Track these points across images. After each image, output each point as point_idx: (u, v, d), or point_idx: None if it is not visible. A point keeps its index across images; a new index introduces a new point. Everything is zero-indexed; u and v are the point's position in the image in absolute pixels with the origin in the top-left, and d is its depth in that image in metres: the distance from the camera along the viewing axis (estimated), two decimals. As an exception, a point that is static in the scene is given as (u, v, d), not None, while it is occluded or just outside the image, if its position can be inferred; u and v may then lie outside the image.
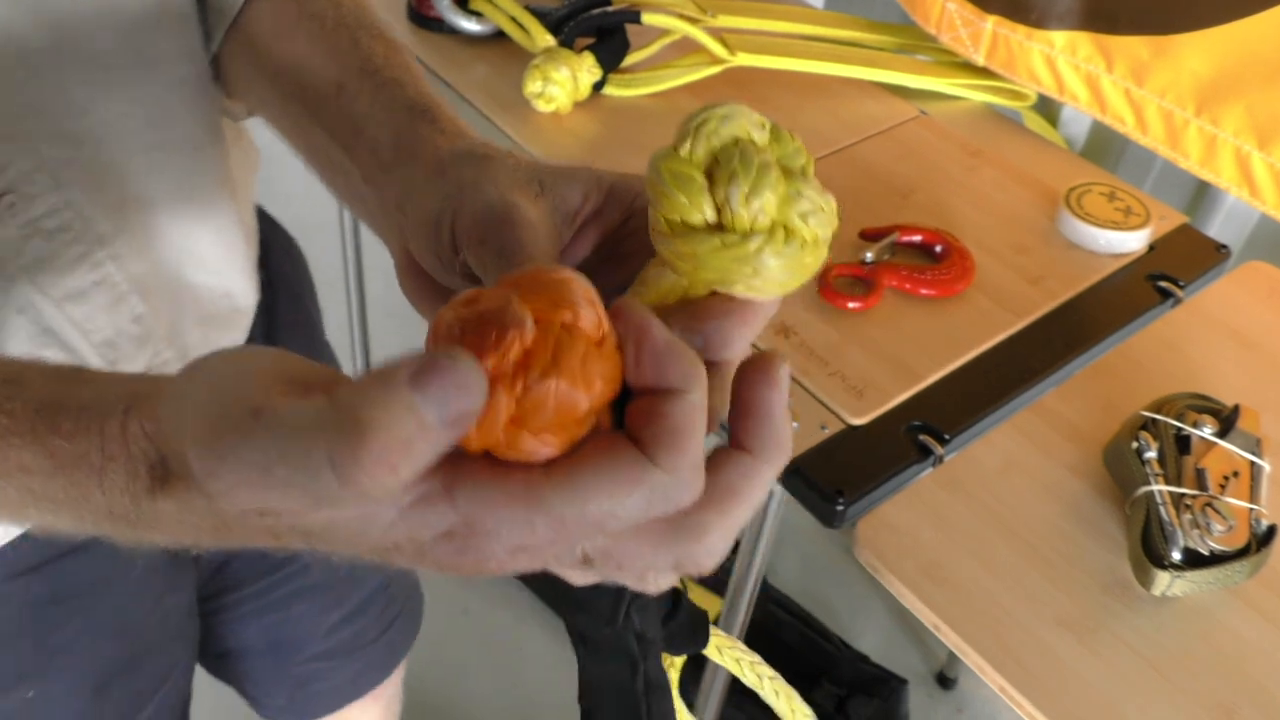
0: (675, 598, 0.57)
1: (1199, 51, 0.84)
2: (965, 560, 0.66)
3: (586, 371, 0.25)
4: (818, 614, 1.48)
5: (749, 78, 1.02)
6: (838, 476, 0.70)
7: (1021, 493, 0.69)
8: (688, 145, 0.30)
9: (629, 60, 1.01)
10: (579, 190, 0.35)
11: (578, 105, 0.98)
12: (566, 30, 0.99)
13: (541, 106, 0.97)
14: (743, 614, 0.90)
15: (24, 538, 0.54)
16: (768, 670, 0.67)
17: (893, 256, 0.84)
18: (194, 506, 0.27)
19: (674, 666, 0.69)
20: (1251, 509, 0.62)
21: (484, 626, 1.49)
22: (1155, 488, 0.63)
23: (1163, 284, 0.84)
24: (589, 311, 0.26)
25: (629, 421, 0.26)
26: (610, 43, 0.99)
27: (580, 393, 0.25)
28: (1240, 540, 0.61)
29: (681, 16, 1.00)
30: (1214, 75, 0.84)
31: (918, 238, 0.85)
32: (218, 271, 0.57)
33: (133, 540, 0.30)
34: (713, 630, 0.62)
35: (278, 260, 0.71)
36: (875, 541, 0.67)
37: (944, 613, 0.64)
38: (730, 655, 0.66)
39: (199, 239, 0.55)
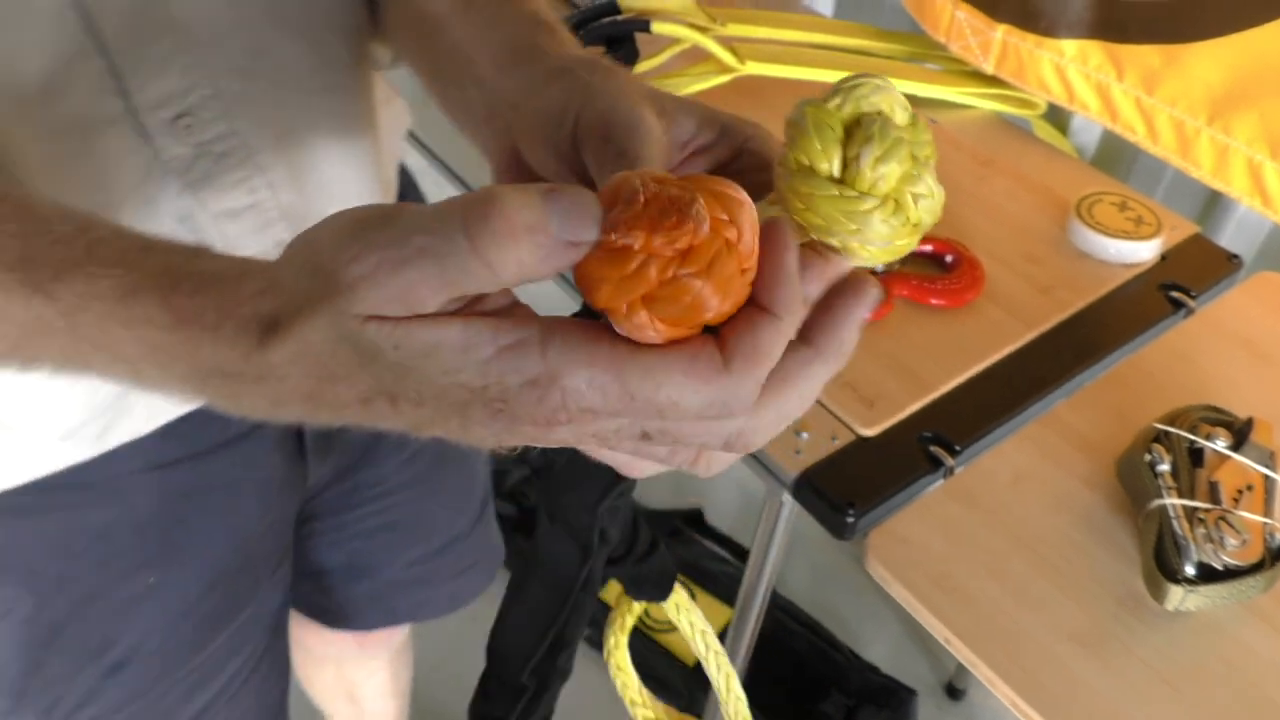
0: (653, 544, 0.59)
1: (1210, 61, 0.83)
2: (976, 572, 0.66)
3: (728, 288, 0.28)
4: (827, 623, 1.48)
5: (759, 86, 1.02)
6: (848, 488, 0.70)
7: (1033, 504, 0.69)
8: (837, 100, 0.32)
9: (638, 69, 1.01)
10: (694, 121, 0.37)
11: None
12: (576, 38, 0.99)
13: (551, 115, 0.97)
14: (752, 622, 0.90)
15: (168, 433, 0.59)
16: (716, 644, 0.74)
17: (903, 266, 0.84)
18: (298, 356, 0.29)
19: (631, 613, 0.73)
20: (1265, 523, 0.62)
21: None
22: (1168, 501, 0.63)
23: (1174, 294, 0.84)
24: (750, 237, 0.28)
25: (725, 327, 0.28)
26: (620, 51, 0.99)
27: (713, 303, 0.28)
28: (1254, 555, 0.60)
29: (691, 25, 1.00)
30: (1226, 84, 0.83)
31: (928, 247, 0.85)
32: None
33: (232, 403, 0.32)
34: (678, 588, 0.65)
35: None
36: (886, 553, 0.67)
37: (955, 625, 0.63)
38: (686, 617, 0.71)
39: (345, 179, 0.59)
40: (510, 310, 0.29)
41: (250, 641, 0.74)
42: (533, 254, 0.27)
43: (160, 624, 0.65)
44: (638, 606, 0.72)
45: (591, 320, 0.29)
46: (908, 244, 0.33)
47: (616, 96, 0.35)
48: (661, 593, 0.63)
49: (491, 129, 0.42)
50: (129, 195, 0.49)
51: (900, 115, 0.32)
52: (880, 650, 1.48)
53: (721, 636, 1.44)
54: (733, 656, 0.98)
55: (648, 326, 0.28)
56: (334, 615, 0.91)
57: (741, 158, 0.38)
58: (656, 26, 0.98)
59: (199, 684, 0.70)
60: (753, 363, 0.28)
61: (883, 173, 0.31)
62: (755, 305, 0.28)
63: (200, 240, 0.51)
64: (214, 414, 0.45)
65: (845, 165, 0.32)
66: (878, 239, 0.32)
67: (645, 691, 0.81)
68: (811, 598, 1.51)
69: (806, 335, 0.31)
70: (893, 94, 0.33)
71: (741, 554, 1.55)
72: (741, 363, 0.28)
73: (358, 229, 0.28)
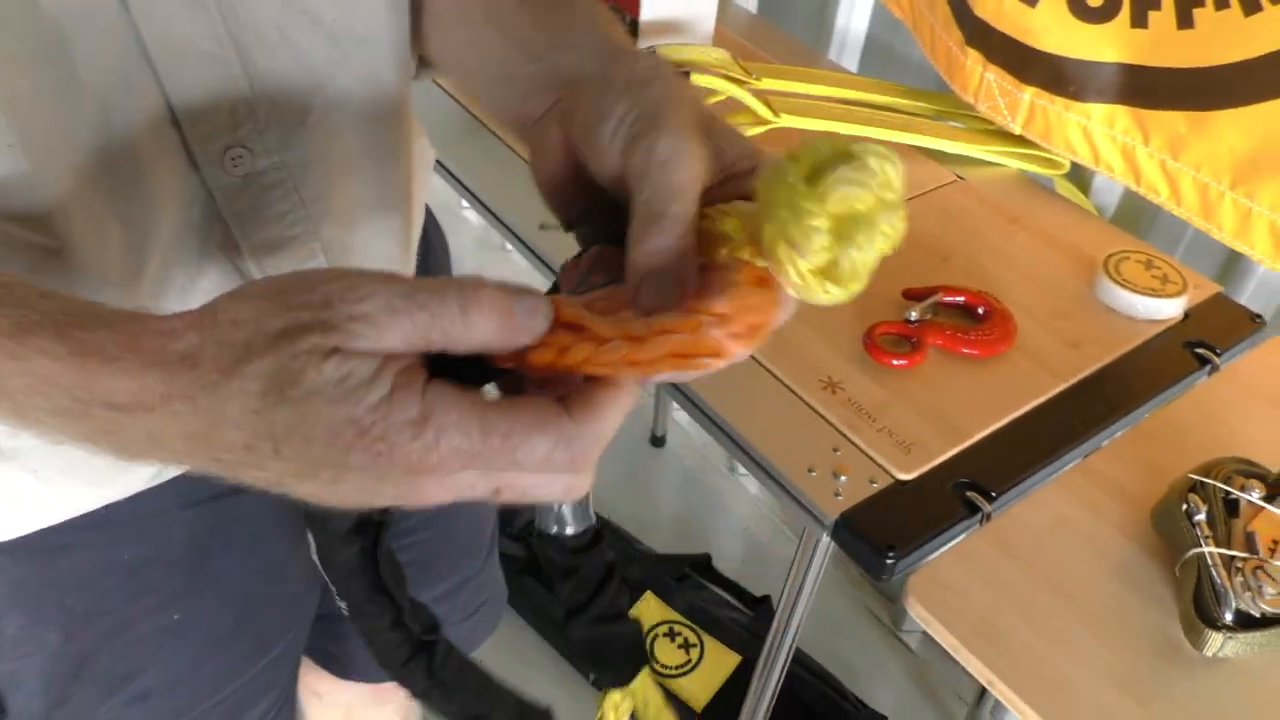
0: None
1: (1236, 128, 0.86)
2: (1015, 617, 0.67)
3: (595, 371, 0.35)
4: (834, 671, 1.48)
5: (792, 139, 1.05)
6: (887, 531, 0.71)
7: (1071, 552, 0.71)
8: (820, 192, 0.35)
9: (675, 118, 1.04)
10: (735, 149, 0.41)
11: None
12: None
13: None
14: (781, 663, 0.91)
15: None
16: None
17: (935, 316, 0.86)
18: (206, 390, 0.32)
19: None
20: (1301, 574, 0.63)
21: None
22: (1206, 549, 0.64)
23: (1200, 351, 0.86)
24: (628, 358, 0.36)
25: (574, 393, 0.35)
26: (658, 101, 1.02)
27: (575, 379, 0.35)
28: (1291, 604, 0.62)
29: (728, 78, 1.03)
30: (1251, 151, 0.86)
31: (960, 299, 0.87)
32: (391, 249, 0.62)
33: (109, 438, 0.34)
34: (645, 675, 0.59)
35: (435, 256, 0.76)
36: (927, 597, 0.68)
37: (997, 668, 0.64)
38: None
39: (384, 210, 0.60)
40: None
41: (281, 682, 0.75)
42: (499, 326, 0.34)
43: (186, 658, 0.65)
44: (624, 705, 0.62)
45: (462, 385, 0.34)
46: (827, 291, 0.36)
47: (672, 128, 0.38)
48: (622, 674, 0.56)
49: (536, 102, 0.45)
50: (174, 221, 0.49)
51: (873, 195, 0.35)
52: (887, 699, 1.48)
53: (729, 683, 1.45)
54: (758, 698, 0.99)
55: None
56: (343, 664, 0.90)
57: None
58: (695, 78, 1.01)
59: (225, 718, 0.70)
60: (588, 417, 0.34)
61: (847, 197, 0.34)
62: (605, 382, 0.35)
63: (238, 270, 0.53)
64: None
65: (817, 181, 0.35)
66: (811, 255, 0.35)
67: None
68: (818, 645, 1.51)
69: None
70: (870, 185, 0.35)
71: (749, 600, 1.55)
72: (579, 414, 0.34)
73: (356, 277, 0.33)
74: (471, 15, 0.51)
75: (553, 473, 0.34)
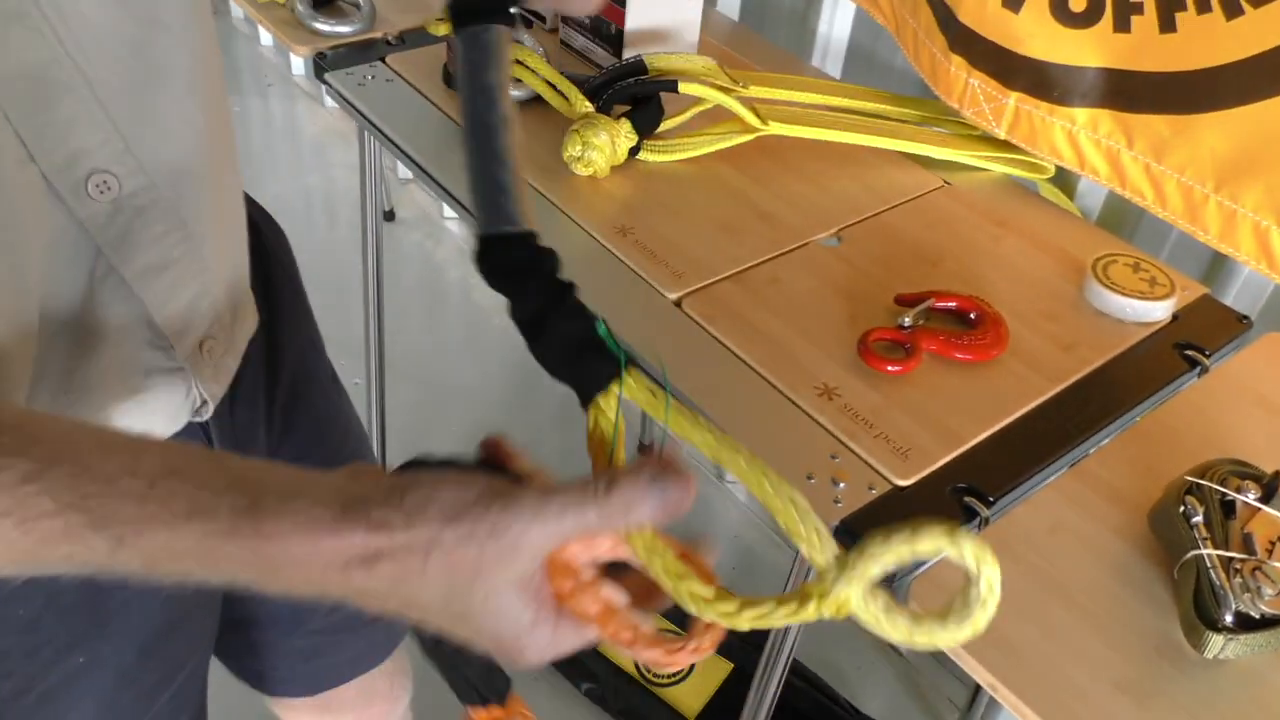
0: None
1: (1219, 131, 0.87)
2: (1016, 620, 0.67)
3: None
4: (826, 676, 1.48)
5: (780, 146, 1.05)
6: (887, 537, 0.71)
7: (1069, 555, 0.71)
8: None
9: (663, 127, 1.04)
10: None
11: (614, 169, 1.01)
12: (605, 97, 1.02)
13: (580, 170, 0.99)
14: (779, 672, 0.91)
15: None
16: None
17: (928, 322, 0.87)
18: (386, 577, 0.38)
19: None
20: (1298, 573, 0.64)
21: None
22: (1204, 551, 0.65)
23: (1189, 352, 0.87)
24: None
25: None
26: (646, 110, 1.02)
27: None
28: (1289, 604, 0.62)
29: (716, 86, 1.03)
30: (1233, 154, 0.87)
31: (952, 304, 0.88)
32: (241, 252, 0.64)
33: (275, 581, 0.39)
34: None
35: (268, 239, 0.76)
36: (929, 602, 0.68)
37: (999, 672, 0.64)
38: None
39: (238, 220, 0.62)
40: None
41: (192, 703, 0.73)
42: (650, 508, 0.41)
43: (99, 696, 0.64)
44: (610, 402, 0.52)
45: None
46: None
47: None
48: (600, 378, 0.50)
49: None
50: (43, 256, 0.48)
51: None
52: (878, 704, 1.49)
53: (721, 691, 1.44)
54: (754, 711, 0.99)
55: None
56: (270, 680, 0.88)
57: None
58: (684, 87, 1.01)
59: None
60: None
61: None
62: None
63: (126, 298, 0.52)
64: None
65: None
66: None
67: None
68: (808, 650, 1.51)
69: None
70: None
71: (741, 607, 1.54)
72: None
73: (515, 492, 0.40)
74: None
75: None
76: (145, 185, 0.50)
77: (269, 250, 0.75)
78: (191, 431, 0.61)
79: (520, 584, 0.40)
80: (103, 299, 0.52)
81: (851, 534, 0.72)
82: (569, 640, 0.42)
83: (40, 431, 0.38)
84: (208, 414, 0.62)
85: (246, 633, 0.84)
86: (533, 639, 0.41)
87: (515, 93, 1.07)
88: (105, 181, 0.48)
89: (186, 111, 0.53)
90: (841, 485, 0.74)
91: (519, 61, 1.06)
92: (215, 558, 0.37)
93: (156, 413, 0.58)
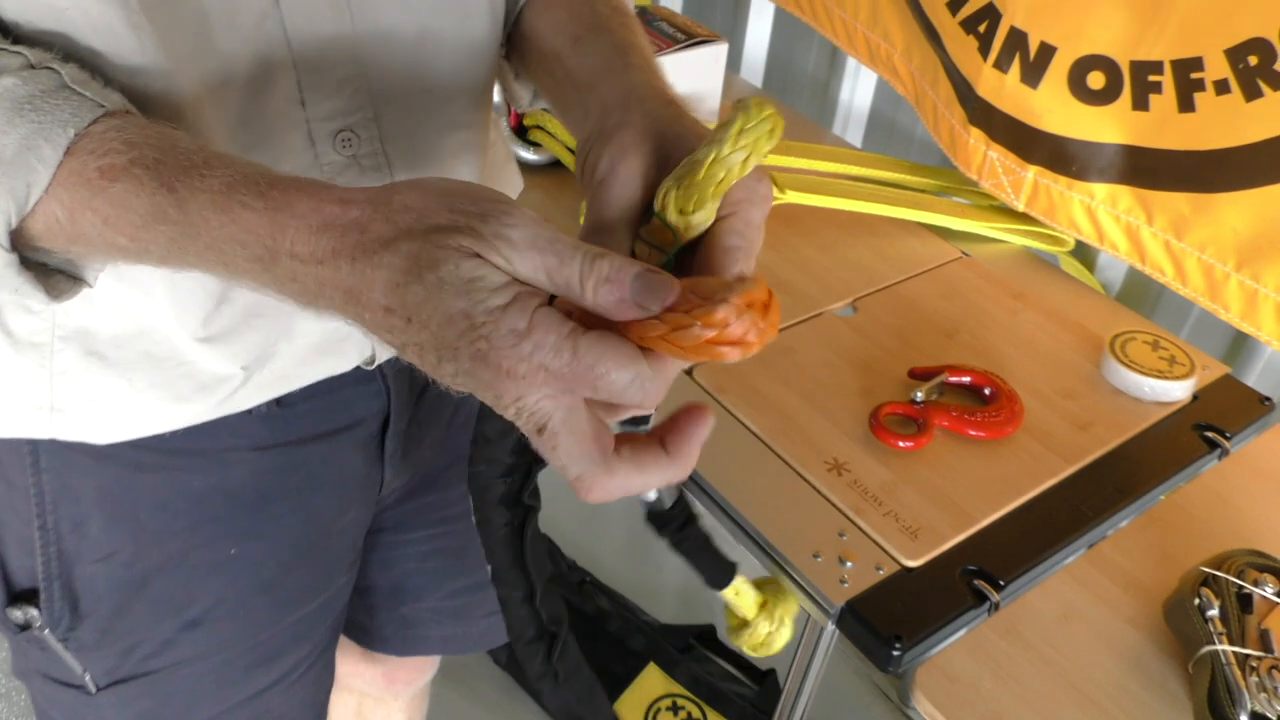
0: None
1: (1240, 210, 0.87)
2: (1027, 713, 0.65)
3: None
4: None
5: (797, 214, 1.05)
6: (894, 619, 0.70)
7: (1081, 644, 0.69)
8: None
9: (681, 194, 1.04)
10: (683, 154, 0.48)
11: (630, 235, 1.01)
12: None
13: (596, 236, 0.99)
14: (785, 754, 0.89)
15: (269, 417, 0.66)
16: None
17: (942, 396, 0.86)
18: (365, 254, 0.39)
19: None
20: (1318, 673, 0.62)
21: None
22: (1220, 648, 0.63)
23: (1209, 434, 0.85)
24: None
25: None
26: (664, 177, 1.02)
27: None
28: (1309, 705, 0.60)
29: (733, 155, 1.03)
30: (1254, 234, 0.86)
31: (967, 379, 0.87)
32: None
33: (289, 283, 0.40)
34: None
35: None
36: (935, 690, 0.67)
37: (1007, 768, 0.63)
38: None
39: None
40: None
41: (314, 634, 0.79)
42: (608, 297, 0.38)
43: (235, 592, 0.71)
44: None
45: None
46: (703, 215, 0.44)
47: (608, 150, 0.46)
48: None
49: (594, 141, 0.52)
50: None
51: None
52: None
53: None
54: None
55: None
56: (371, 636, 0.96)
57: None
58: (701, 155, 1.02)
59: (262, 661, 0.75)
60: (662, 364, 0.39)
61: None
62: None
63: None
64: (312, 409, 0.68)
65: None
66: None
67: None
68: (820, 716, 1.48)
69: (665, 444, 0.42)
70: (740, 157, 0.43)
71: (754, 674, 1.52)
72: (654, 361, 0.39)
73: (516, 206, 0.39)
74: (545, 59, 0.60)
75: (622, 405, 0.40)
76: (377, 150, 0.58)
77: None
78: (364, 376, 0.69)
79: (498, 271, 0.38)
80: None
81: (858, 616, 0.71)
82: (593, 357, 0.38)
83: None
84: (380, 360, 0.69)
85: (365, 597, 0.92)
86: (529, 342, 0.37)
87: (533, 156, 1.08)
88: (349, 139, 0.57)
89: (442, 102, 0.60)
90: (849, 565, 0.73)
91: (539, 126, 1.07)
92: (231, 217, 0.40)
93: (345, 354, 0.66)
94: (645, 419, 0.47)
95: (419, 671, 1.07)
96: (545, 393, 0.38)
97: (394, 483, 0.80)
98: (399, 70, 0.57)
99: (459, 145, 0.63)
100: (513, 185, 0.79)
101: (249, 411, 0.65)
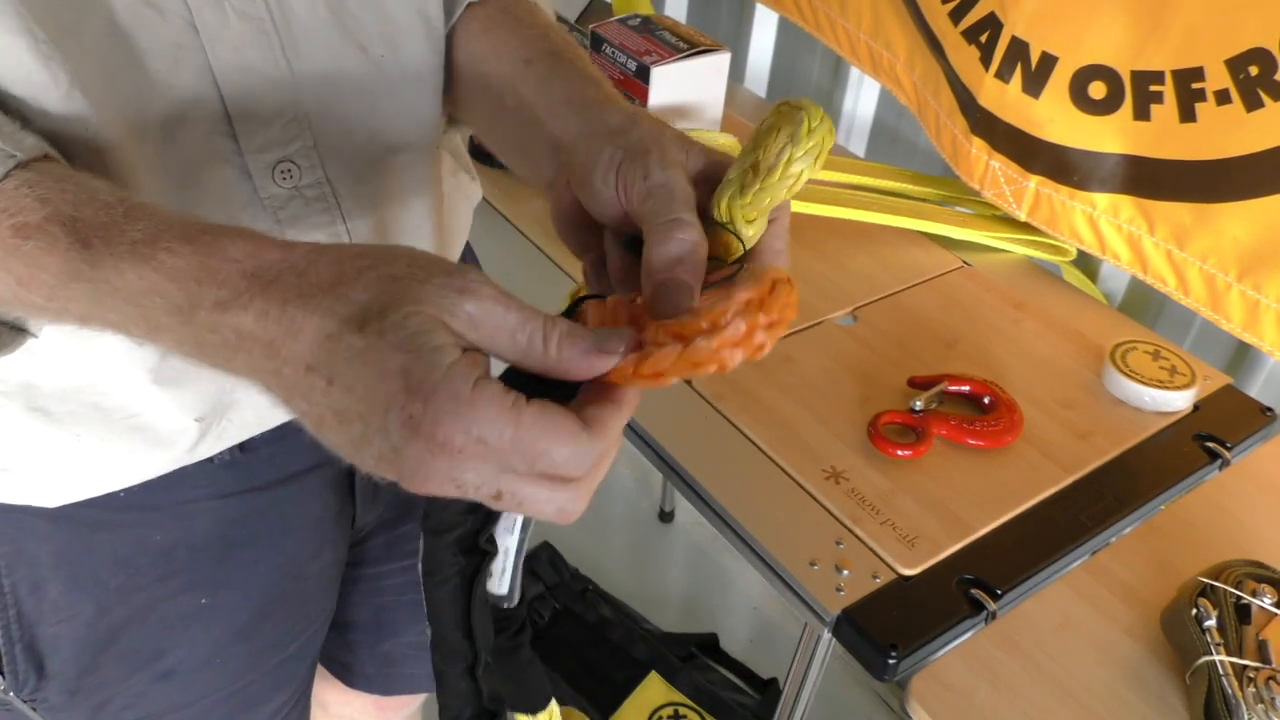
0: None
1: (1241, 220, 0.86)
2: (1022, 723, 0.65)
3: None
4: (842, 759, 1.44)
5: (800, 223, 1.05)
6: (890, 628, 0.70)
7: (1078, 654, 0.69)
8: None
9: (682, 202, 1.05)
10: (704, 160, 0.47)
11: (632, 243, 1.01)
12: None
13: (598, 243, 1.00)
14: (783, 763, 0.88)
15: (232, 465, 0.64)
16: None
17: (941, 405, 0.86)
18: (292, 302, 0.35)
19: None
20: (1316, 684, 0.61)
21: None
22: (1217, 658, 0.63)
23: (1210, 445, 0.85)
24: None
25: (587, 408, 0.38)
26: (666, 185, 1.03)
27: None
28: (1306, 717, 0.60)
29: (735, 163, 1.04)
30: (1256, 244, 0.86)
31: (966, 388, 0.87)
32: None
33: (209, 335, 0.37)
34: None
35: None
36: (930, 699, 0.67)
37: (1002, 778, 0.62)
38: None
39: (418, 235, 0.64)
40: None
41: (295, 680, 0.78)
42: (571, 349, 0.37)
43: (210, 643, 0.69)
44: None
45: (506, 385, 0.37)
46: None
47: (656, 160, 0.44)
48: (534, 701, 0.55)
49: (549, 166, 0.51)
50: (228, 223, 0.54)
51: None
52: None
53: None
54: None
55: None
56: (353, 674, 0.94)
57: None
58: (703, 163, 1.02)
59: (243, 709, 0.73)
60: (603, 432, 0.37)
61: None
62: (611, 399, 0.38)
63: None
64: (275, 452, 0.64)
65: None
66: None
67: None
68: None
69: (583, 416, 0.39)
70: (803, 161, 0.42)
71: (756, 683, 1.52)
72: (595, 430, 0.37)
73: (480, 277, 0.37)
74: (489, 85, 0.58)
75: (556, 489, 0.37)
76: (320, 180, 0.56)
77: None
78: None
79: (449, 318, 0.35)
80: None
81: (854, 625, 0.70)
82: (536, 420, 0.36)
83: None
84: None
85: (345, 633, 0.90)
86: (466, 396, 0.34)
87: (538, 165, 1.09)
88: (289, 170, 0.55)
89: (385, 126, 0.58)
90: (845, 573, 0.73)
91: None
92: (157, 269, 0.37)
93: None
94: None
95: (410, 696, 1.05)
96: (483, 470, 0.35)
97: (367, 517, 0.78)
98: (335, 97, 0.55)
99: (405, 164, 0.61)
100: (469, 195, 0.76)
101: (210, 459, 0.62)
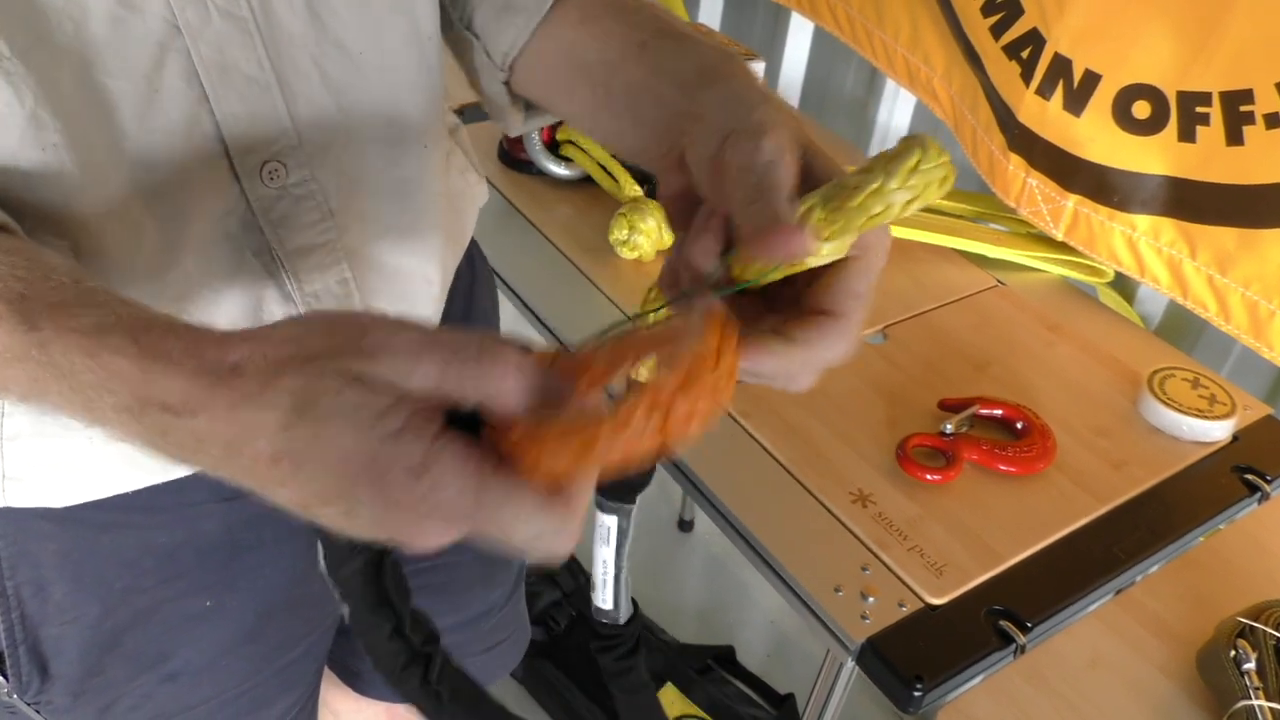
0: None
1: (1287, 247, 0.84)
2: (1050, 762, 0.63)
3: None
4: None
5: (829, 237, 1.04)
6: (916, 659, 0.68)
7: (1110, 692, 0.67)
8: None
9: (712, 213, 1.03)
10: (822, 175, 0.45)
11: (659, 253, 1.00)
12: (654, 182, 1.01)
13: (625, 254, 0.98)
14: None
15: None
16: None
17: (972, 429, 0.84)
18: (244, 400, 0.34)
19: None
20: (1359, 734, 0.59)
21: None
22: (1256, 703, 0.61)
23: (1249, 477, 0.83)
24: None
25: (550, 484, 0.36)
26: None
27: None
28: (1348, 769, 0.58)
29: (767, 175, 1.02)
30: (1302, 272, 0.84)
31: (998, 412, 0.85)
32: (422, 267, 0.66)
33: (159, 438, 0.36)
34: None
35: (479, 286, 0.81)
36: (956, 734, 0.65)
37: (1028, 819, 0.61)
38: None
39: (411, 232, 0.64)
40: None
41: (303, 683, 0.77)
42: (514, 384, 0.35)
43: (215, 645, 0.69)
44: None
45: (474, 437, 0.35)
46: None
47: (771, 144, 0.43)
48: None
49: (666, 139, 0.50)
50: (213, 226, 0.54)
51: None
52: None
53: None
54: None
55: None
56: (363, 681, 0.93)
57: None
58: (734, 175, 1.01)
59: (249, 711, 0.73)
60: (575, 498, 0.35)
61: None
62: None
63: (272, 274, 0.58)
64: None
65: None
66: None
67: None
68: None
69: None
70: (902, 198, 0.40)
71: (772, 699, 1.50)
72: (562, 502, 0.35)
73: (398, 318, 0.35)
74: (591, 72, 0.57)
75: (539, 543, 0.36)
76: (307, 178, 0.56)
77: (473, 293, 0.79)
78: None
79: (371, 378, 0.34)
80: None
81: (878, 654, 0.69)
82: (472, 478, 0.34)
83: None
84: None
85: (354, 639, 0.88)
86: (399, 449, 0.33)
87: (565, 171, 1.08)
88: (276, 170, 0.54)
89: (371, 124, 0.58)
90: (871, 600, 0.72)
91: (570, 141, 1.07)
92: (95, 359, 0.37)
93: None
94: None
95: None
96: (465, 518, 0.34)
97: None
98: (317, 96, 0.54)
99: (396, 162, 0.60)
100: (474, 196, 0.76)
101: None
